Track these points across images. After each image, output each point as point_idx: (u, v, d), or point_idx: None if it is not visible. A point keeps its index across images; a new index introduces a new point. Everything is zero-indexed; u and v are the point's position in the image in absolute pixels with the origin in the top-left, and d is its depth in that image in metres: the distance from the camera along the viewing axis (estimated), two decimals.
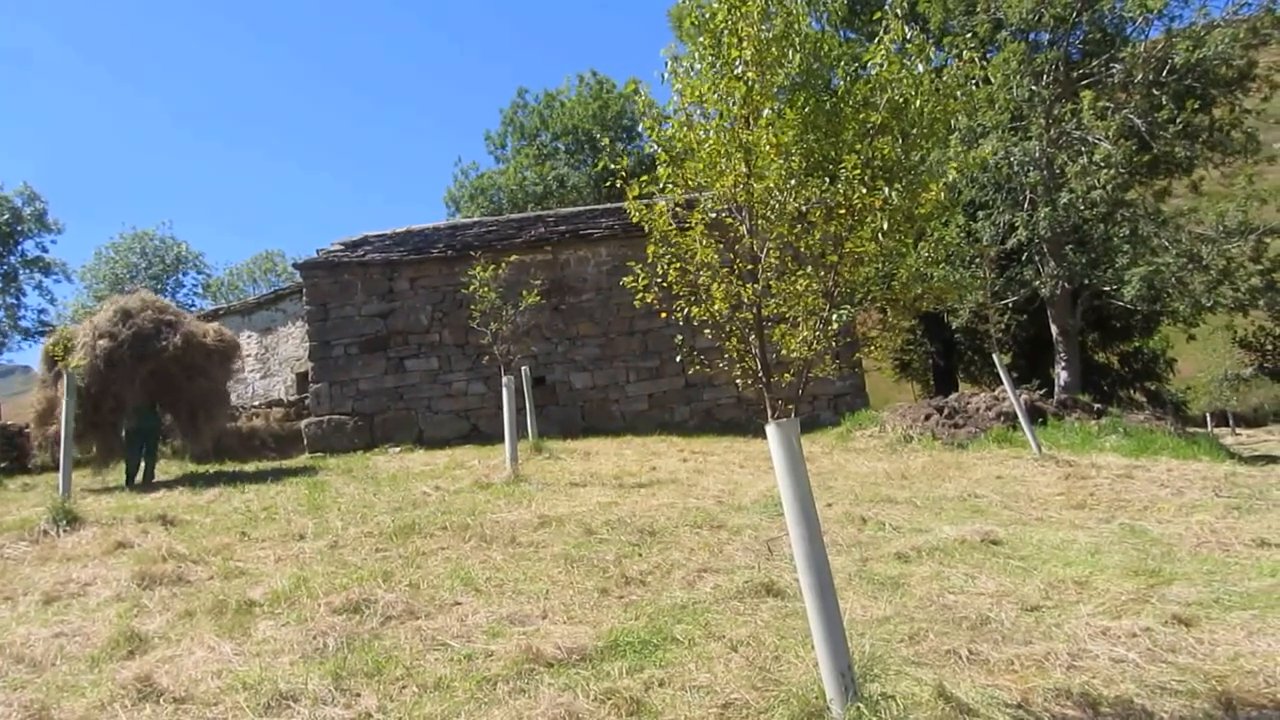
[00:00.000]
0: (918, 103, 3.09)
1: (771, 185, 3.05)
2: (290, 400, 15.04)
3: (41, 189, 29.06)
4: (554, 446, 10.31)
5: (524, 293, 9.72)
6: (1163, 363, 23.26)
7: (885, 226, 3.03)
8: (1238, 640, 3.43)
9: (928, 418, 10.86)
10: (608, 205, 15.14)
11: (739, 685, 3.09)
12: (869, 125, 3.12)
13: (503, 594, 4.37)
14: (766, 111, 3.05)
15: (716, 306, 3.16)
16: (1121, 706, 2.90)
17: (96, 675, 3.49)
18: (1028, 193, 15.64)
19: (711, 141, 3.08)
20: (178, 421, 10.64)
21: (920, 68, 3.09)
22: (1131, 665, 3.22)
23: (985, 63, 14.30)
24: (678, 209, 3.43)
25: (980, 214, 16.71)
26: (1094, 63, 15.49)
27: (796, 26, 3.12)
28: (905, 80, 3.06)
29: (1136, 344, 22.44)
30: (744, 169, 3.06)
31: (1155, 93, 14.64)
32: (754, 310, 3.11)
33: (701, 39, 3.13)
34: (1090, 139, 14.64)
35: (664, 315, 3.70)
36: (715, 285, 3.17)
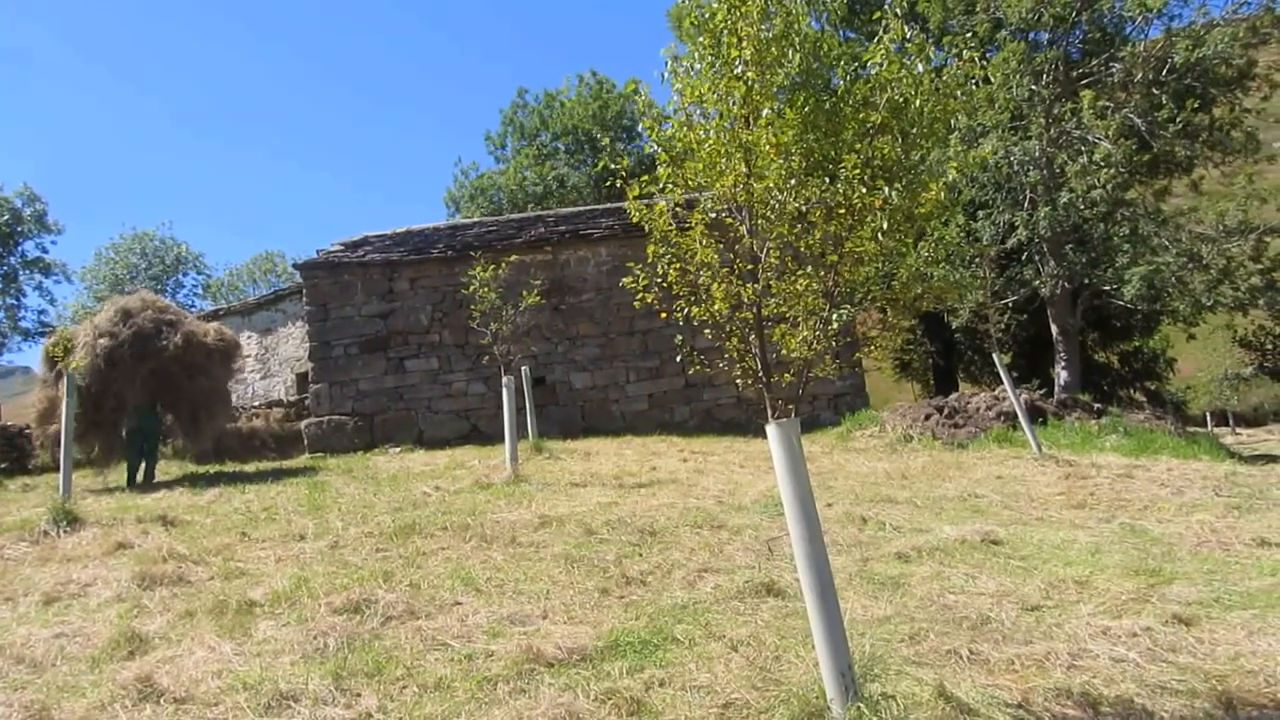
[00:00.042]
0: (917, 102, 3.08)
1: (771, 185, 3.05)
2: (290, 400, 15.05)
3: (41, 189, 29.15)
4: (554, 446, 10.31)
5: (524, 293, 9.72)
6: (1163, 362, 23.26)
7: (885, 226, 3.03)
8: (1238, 640, 3.43)
9: (928, 417, 10.87)
10: (608, 205, 15.15)
11: (739, 685, 3.10)
12: (869, 125, 3.12)
13: (503, 594, 4.37)
14: (766, 111, 3.05)
15: (716, 306, 3.16)
16: (1122, 706, 2.90)
17: (97, 676, 3.49)
18: (1028, 192, 15.64)
19: (711, 141, 3.08)
20: (179, 421, 10.64)
21: (920, 67, 3.09)
22: (1132, 665, 3.22)
23: (985, 62, 14.26)
24: (678, 209, 3.43)
25: (980, 214, 16.71)
26: (1094, 62, 15.49)
27: (796, 26, 3.12)
28: (905, 80, 3.06)
29: (1136, 343, 22.44)
30: (744, 169, 3.06)
31: (1155, 92, 14.64)
32: (754, 310, 3.11)
33: (701, 39, 3.13)
34: (1090, 138, 14.64)
35: (664, 315, 3.70)
36: (715, 285, 3.17)
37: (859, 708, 2.66)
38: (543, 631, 3.75)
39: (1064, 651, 3.32)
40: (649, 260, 3.41)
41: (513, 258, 12.16)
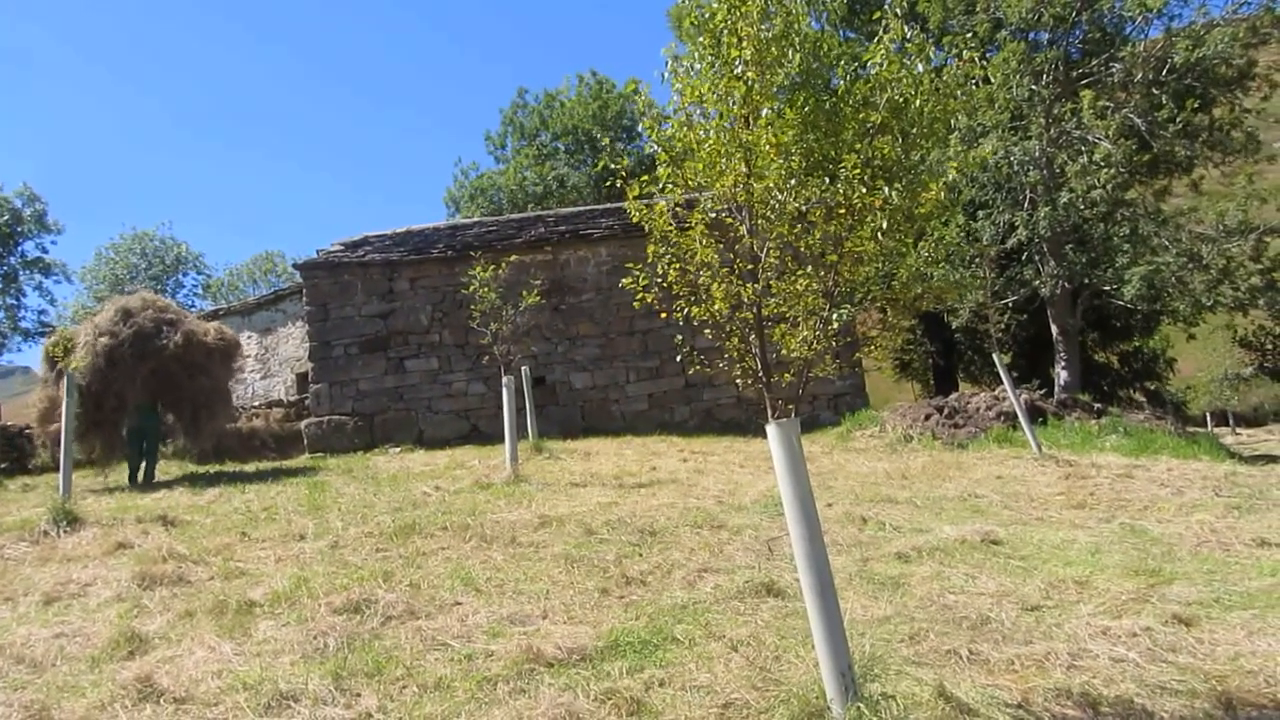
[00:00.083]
0: (917, 102, 3.08)
1: (771, 185, 3.05)
2: (290, 400, 15.05)
3: (41, 189, 29.17)
4: (554, 446, 10.31)
5: (524, 293, 9.72)
6: (1163, 362, 23.25)
7: (885, 226, 3.03)
8: (1238, 640, 3.43)
9: (928, 417, 10.87)
10: (608, 205, 15.14)
11: (739, 685, 3.10)
12: (869, 125, 3.12)
13: (503, 594, 4.37)
14: (766, 111, 3.06)
15: (716, 306, 3.16)
16: (1122, 706, 2.90)
17: (97, 675, 3.49)
18: (1028, 192, 15.63)
19: (711, 141, 3.08)
20: (179, 420, 10.65)
21: (920, 67, 3.09)
22: (1132, 665, 3.22)
23: (985, 62, 14.30)
24: (678, 209, 3.43)
25: (980, 214, 16.71)
26: (1094, 62, 15.48)
27: (796, 26, 3.12)
28: (905, 80, 3.06)
29: (1136, 344, 22.43)
30: (744, 169, 3.06)
31: (1155, 92, 14.63)
32: (754, 310, 3.11)
33: (701, 39, 3.13)
34: (1090, 138, 14.64)
35: (664, 315, 3.70)
36: (715, 285, 3.17)
37: (859, 708, 2.66)
38: (543, 631, 3.75)
39: (1064, 651, 3.32)
40: (649, 260, 3.41)
41: (513, 258, 12.16)
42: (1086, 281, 15.89)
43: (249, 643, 3.78)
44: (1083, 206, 14.82)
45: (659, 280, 3.39)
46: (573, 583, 4.53)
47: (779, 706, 2.89)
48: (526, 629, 3.81)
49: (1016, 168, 15.45)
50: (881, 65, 3.08)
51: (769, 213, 3.10)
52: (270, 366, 16.34)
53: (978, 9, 15.79)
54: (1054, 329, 16.80)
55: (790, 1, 3.12)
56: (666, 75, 3.21)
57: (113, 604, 4.53)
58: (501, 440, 8.71)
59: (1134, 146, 14.06)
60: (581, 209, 15.36)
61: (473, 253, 11.85)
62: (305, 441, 12.70)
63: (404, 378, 12.94)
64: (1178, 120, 14.03)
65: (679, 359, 12.13)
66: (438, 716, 2.98)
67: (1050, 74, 15.32)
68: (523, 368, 10.66)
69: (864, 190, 2.98)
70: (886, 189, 2.98)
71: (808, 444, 9.95)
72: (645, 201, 3.45)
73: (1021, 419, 9.17)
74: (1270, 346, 21.67)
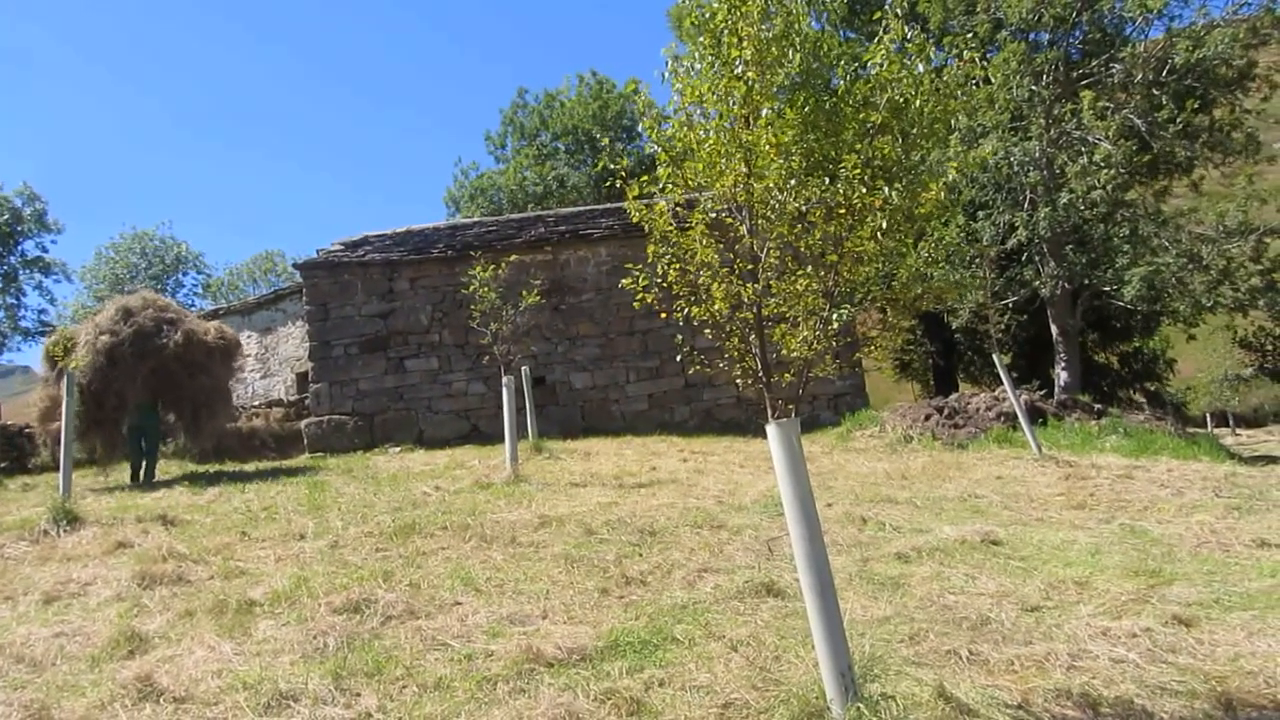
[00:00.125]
0: (918, 103, 3.09)
1: (771, 185, 3.05)
2: (290, 400, 15.05)
3: (41, 189, 29.11)
4: (554, 446, 10.31)
5: (524, 293, 9.72)
6: (1163, 363, 23.27)
7: (885, 226, 3.03)
8: (1238, 641, 3.43)
9: (928, 418, 10.87)
10: (608, 205, 15.14)
11: (739, 685, 3.09)
12: (869, 125, 3.12)
13: (503, 594, 4.37)
14: (766, 111, 3.06)
15: (716, 306, 3.16)
16: (1121, 707, 2.90)
17: (97, 675, 3.49)
18: (1028, 193, 15.63)
19: (711, 141, 3.08)
20: (180, 419, 10.66)
21: (920, 67, 3.09)
22: (1131, 665, 3.22)
23: (985, 63, 14.31)
24: (678, 209, 3.43)
25: (980, 214, 16.71)
26: (1094, 63, 15.48)
27: (796, 26, 3.12)
28: (905, 80, 3.06)
29: (1136, 344, 22.44)
30: (744, 169, 3.06)
31: (1155, 93, 14.64)
32: (754, 310, 3.11)
33: (701, 39, 3.13)
34: (1090, 139, 14.64)
35: (664, 315, 3.70)
36: (715, 285, 3.17)
37: (859, 708, 2.65)
38: (542, 631, 3.75)
39: (1064, 652, 3.32)
40: (649, 260, 3.41)
41: (513, 258, 12.16)
42: (1086, 282, 15.90)
43: (249, 642, 3.78)
44: (1083, 207, 14.82)
45: (659, 280, 3.39)
46: (573, 583, 4.53)
47: (779, 707, 2.89)
48: (526, 629, 3.81)
49: (1016, 168, 15.45)
50: (882, 65, 3.08)
51: (769, 213, 3.10)
52: (270, 366, 16.34)
53: (978, 9, 15.79)
54: (1054, 329, 16.80)
55: (790, 1, 3.12)
56: (666, 75, 3.21)
57: (113, 603, 4.53)
58: (501, 440, 8.72)
59: (1134, 147, 14.06)
60: (581, 209, 15.36)
61: (473, 253, 11.86)
62: (305, 441, 12.70)
63: (404, 377, 12.94)
64: (1178, 121, 14.04)
65: (679, 359, 12.13)
66: (437, 716, 2.98)
67: (1050, 74, 15.32)
68: (523, 368, 10.66)
69: (864, 190, 2.98)
70: (886, 189, 2.98)
71: (808, 444, 9.95)
72: (645, 201, 3.45)
73: (1021, 419, 9.17)
74: (1270, 347, 21.68)
